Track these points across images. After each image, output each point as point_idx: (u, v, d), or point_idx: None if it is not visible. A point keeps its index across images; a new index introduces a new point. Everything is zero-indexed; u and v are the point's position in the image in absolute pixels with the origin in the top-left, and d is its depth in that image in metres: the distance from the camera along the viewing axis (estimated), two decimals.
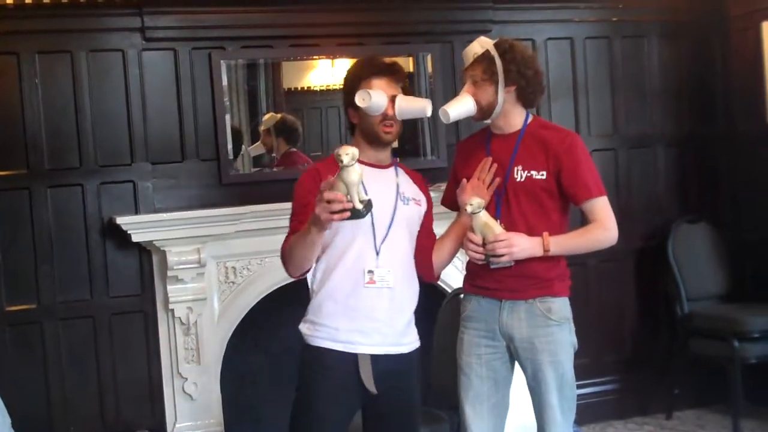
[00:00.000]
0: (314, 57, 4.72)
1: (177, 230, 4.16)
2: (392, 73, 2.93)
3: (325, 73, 4.80)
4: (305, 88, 4.80)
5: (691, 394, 5.16)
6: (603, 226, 3.01)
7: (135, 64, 4.35)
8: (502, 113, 3.02)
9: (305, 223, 2.69)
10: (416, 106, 2.94)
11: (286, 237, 2.86)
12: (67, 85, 4.27)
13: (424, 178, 3.12)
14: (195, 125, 4.40)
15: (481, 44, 3.00)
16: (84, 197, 4.30)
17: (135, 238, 4.14)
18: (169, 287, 4.22)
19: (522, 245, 2.91)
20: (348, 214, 2.53)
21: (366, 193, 2.63)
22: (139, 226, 4.13)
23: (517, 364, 3.08)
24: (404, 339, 2.88)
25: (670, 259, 5.11)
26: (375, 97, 2.83)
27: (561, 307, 3.04)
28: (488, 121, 3.04)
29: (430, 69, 4.76)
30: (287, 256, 2.83)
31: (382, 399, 2.82)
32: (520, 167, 3.00)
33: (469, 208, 2.85)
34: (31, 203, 4.23)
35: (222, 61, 4.41)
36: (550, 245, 2.94)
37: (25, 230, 4.23)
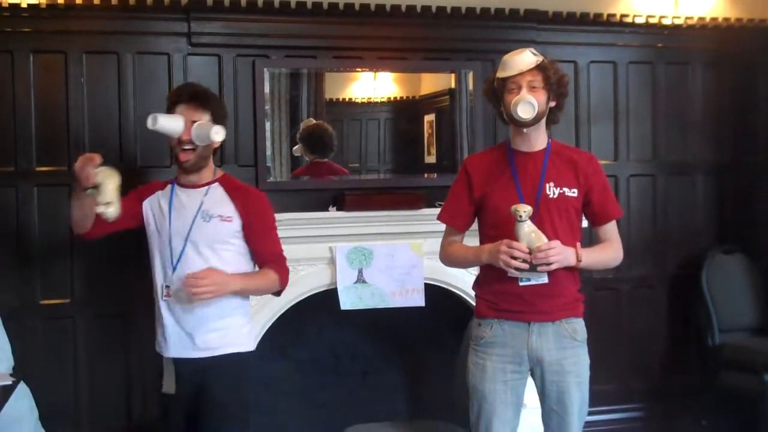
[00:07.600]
0: (357, 69, 4.74)
1: None
2: (192, 99, 3.02)
3: (367, 85, 4.83)
4: (347, 100, 4.82)
5: (720, 426, 5.08)
6: (619, 246, 3.15)
7: (180, 68, 4.40)
8: (538, 126, 3.02)
9: None
10: (204, 131, 3.01)
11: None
12: (112, 86, 4.33)
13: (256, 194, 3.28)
14: (235, 131, 4.43)
15: (533, 54, 3.00)
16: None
17: None
18: None
19: (565, 253, 2.92)
20: None
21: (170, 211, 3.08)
22: None
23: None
24: (202, 345, 3.06)
25: (703, 288, 5.06)
26: (163, 120, 2.87)
27: (583, 327, 3.08)
28: (525, 131, 3.01)
29: (471, 86, 4.77)
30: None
31: (188, 400, 3.09)
32: (552, 183, 3.01)
33: (522, 216, 2.85)
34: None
35: (265, 69, 4.45)
36: (583, 256, 2.95)
37: (64, 226, 4.27)
